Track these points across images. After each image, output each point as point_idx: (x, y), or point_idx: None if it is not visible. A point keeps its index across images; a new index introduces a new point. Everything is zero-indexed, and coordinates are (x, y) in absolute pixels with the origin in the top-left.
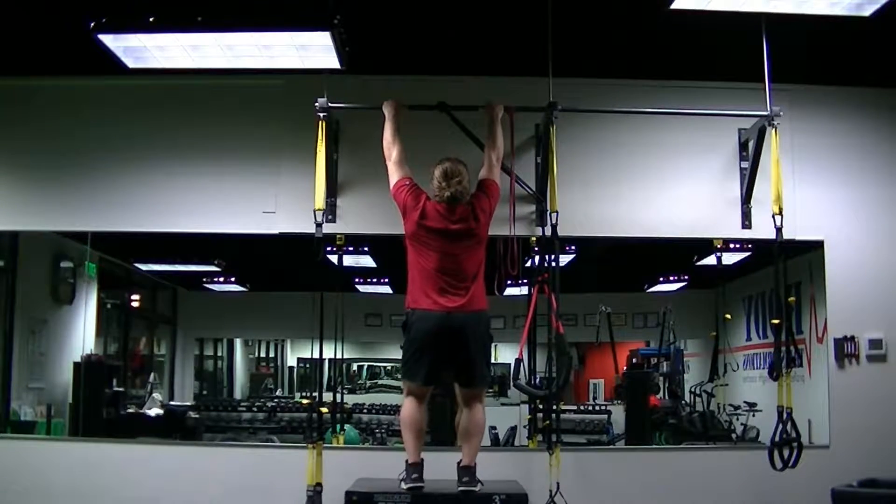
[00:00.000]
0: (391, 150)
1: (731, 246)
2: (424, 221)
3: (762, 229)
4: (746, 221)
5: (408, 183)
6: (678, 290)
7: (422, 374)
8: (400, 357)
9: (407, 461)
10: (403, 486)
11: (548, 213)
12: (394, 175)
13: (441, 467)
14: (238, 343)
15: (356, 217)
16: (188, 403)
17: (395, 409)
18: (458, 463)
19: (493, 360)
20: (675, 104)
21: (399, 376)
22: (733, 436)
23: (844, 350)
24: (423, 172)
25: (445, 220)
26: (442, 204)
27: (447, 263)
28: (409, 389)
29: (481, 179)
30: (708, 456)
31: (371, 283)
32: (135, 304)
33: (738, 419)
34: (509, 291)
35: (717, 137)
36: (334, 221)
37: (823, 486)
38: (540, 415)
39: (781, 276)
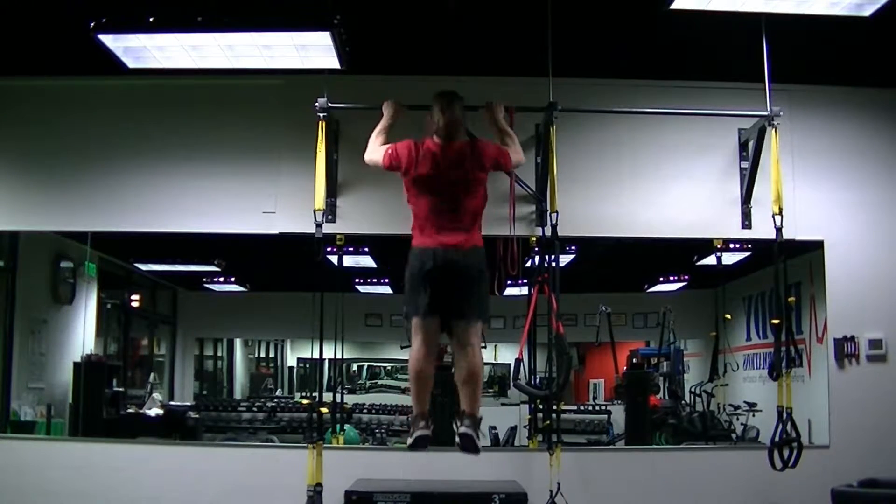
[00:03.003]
0: (373, 143)
1: (731, 246)
2: (421, 159)
3: (762, 229)
4: (746, 221)
5: (391, 146)
6: (678, 290)
7: (424, 305)
8: (400, 357)
9: (412, 414)
10: (409, 439)
11: (548, 213)
12: (376, 155)
13: (441, 467)
14: (238, 343)
15: (356, 217)
16: (188, 403)
17: (395, 409)
18: (458, 409)
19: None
20: (675, 104)
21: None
22: (733, 436)
23: (844, 350)
24: None
25: (442, 151)
26: (439, 133)
27: (444, 203)
28: (414, 328)
29: (500, 145)
30: (708, 456)
31: (371, 283)
32: (135, 304)
33: (738, 419)
34: (509, 291)
35: (717, 137)
36: (334, 221)
37: (823, 486)
38: (540, 415)
39: (781, 276)
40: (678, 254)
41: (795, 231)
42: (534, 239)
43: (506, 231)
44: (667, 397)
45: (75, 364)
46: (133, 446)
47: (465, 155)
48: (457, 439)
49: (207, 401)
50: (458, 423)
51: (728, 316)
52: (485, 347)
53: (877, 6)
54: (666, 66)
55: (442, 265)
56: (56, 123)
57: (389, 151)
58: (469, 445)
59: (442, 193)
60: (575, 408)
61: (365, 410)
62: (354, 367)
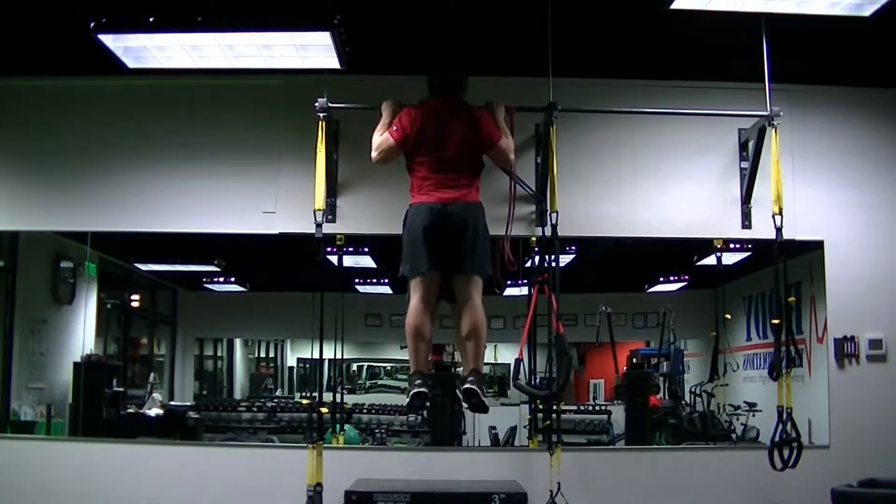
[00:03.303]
0: (377, 138)
1: (731, 246)
2: (421, 117)
3: (762, 229)
4: (746, 221)
5: (395, 122)
6: (678, 290)
7: (423, 262)
8: (399, 357)
9: (410, 371)
10: (406, 398)
11: (548, 213)
12: (384, 141)
13: (441, 467)
14: (238, 343)
15: (356, 217)
16: (188, 403)
17: (395, 409)
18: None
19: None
20: (675, 104)
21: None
22: (733, 436)
23: (844, 350)
24: None
25: (442, 104)
26: (437, 91)
27: (443, 161)
28: (413, 286)
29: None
30: (708, 456)
31: (371, 284)
32: (135, 304)
33: (738, 419)
34: (509, 291)
35: (717, 137)
36: (334, 221)
37: (823, 486)
38: (540, 415)
39: (781, 276)
40: (678, 254)
41: (795, 231)
42: (534, 239)
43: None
44: (667, 397)
45: (75, 364)
46: (133, 446)
47: (463, 109)
48: (460, 395)
49: (207, 401)
50: (461, 380)
51: (728, 316)
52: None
53: (877, 6)
54: (666, 66)
55: (441, 219)
56: (56, 123)
57: (394, 127)
58: (475, 401)
59: (440, 149)
60: (575, 408)
61: (365, 410)
62: (354, 367)
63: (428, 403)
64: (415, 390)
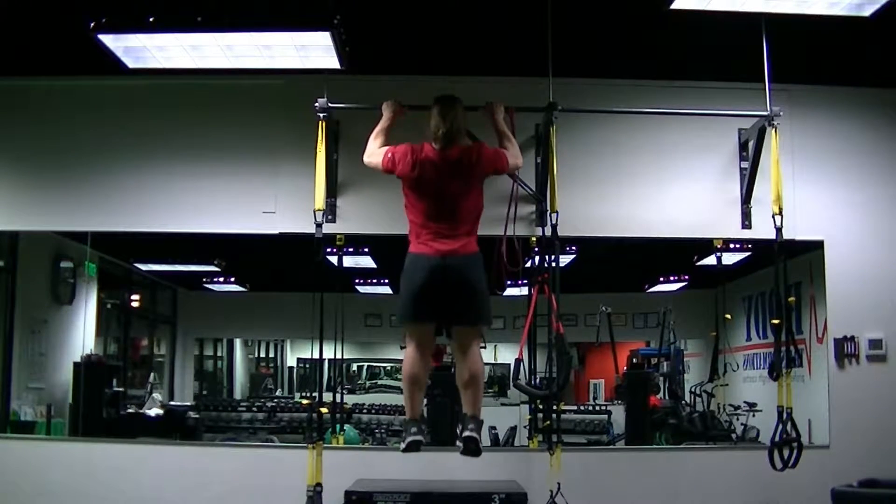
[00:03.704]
0: (372, 143)
1: (731, 246)
2: (419, 165)
3: (762, 229)
4: (746, 221)
5: (390, 149)
6: (678, 290)
7: (419, 312)
8: (399, 357)
9: (405, 419)
10: (402, 446)
11: (548, 213)
12: (375, 157)
13: (441, 467)
14: (238, 343)
15: (356, 217)
16: (188, 403)
17: (395, 409)
18: (461, 417)
19: (493, 361)
20: (675, 104)
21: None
22: (733, 436)
23: (844, 350)
24: None
25: (440, 158)
26: (438, 142)
27: (441, 209)
28: (409, 333)
29: (495, 149)
30: (708, 456)
31: (371, 284)
32: (135, 304)
33: (738, 419)
34: (509, 291)
35: (717, 137)
36: (334, 221)
37: (823, 486)
38: (540, 415)
39: (781, 276)
40: (678, 254)
41: (795, 231)
42: (534, 239)
43: (507, 231)
44: (667, 397)
45: (75, 364)
46: (133, 446)
47: (463, 161)
48: (459, 443)
49: (207, 401)
50: (461, 427)
51: (728, 316)
52: (484, 347)
53: (877, 6)
54: (666, 66)
55: (439, 272)
56: (56, 123)
57: (388, 155)
58: (473, 448)
59: (439, 199)
60: (575, 408)
61: (365, 410)
62: (354, 367)
63: (422, 448)
64: (410, 438)
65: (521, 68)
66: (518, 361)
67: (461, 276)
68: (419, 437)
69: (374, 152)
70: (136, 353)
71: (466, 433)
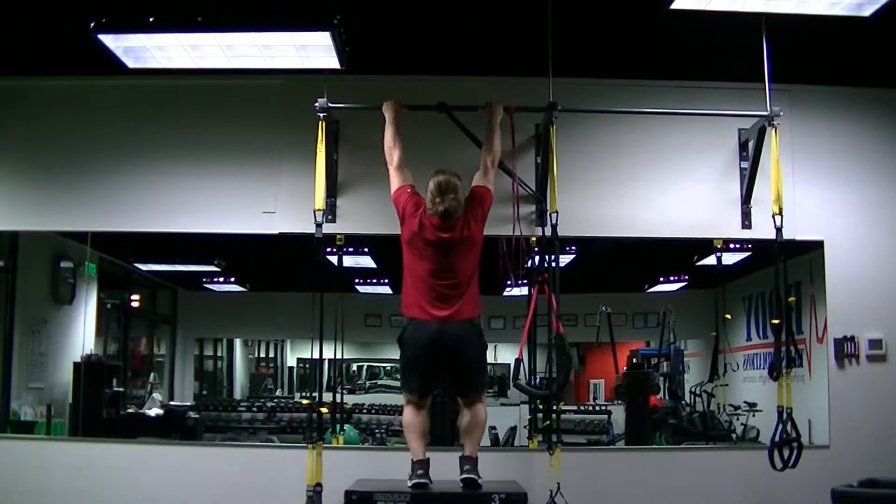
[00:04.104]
0: (392, 154)
1: (731, 246)
2: (421, 232)
3: (762, 229)
4: (746, 221)
5: (409, 191)
6: (678, 290)
7: (418, 387)
8: (398, 358)
9: (412, 460)
10: (409, 483)
11: (548, 213)
12: (395, 181)
13: (441, 467)
14: (238, 343)
15: (356, 217)
16: (188, 403)
17: (395, 409)
18: (461, 455)
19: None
20: (675, 104)
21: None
22: (733, 436)
23: (844, 350)
24: (422, 172)
25: (439, 232)
26: (436, 217)
27: (440, 271)
28: (407, 399)
29: (474, 187)
30: (708, 456)
31: (371, 284)
32: (135, 304)
33: (738, 419)
34: (509, 291)
35: (717, 137)
36: (334, 221)
37: (823, 486)
38: (540, 415)
39: (781, 276)
40: (678, 254)
41: (795, 231)
42: (534, 239)
43: (507, 231)
44: (667, 397)
45: (75, 364)
46: (133, 446)
47: (459, 234)
48: (460, 483)
49: (207, 401)
50: (461, 468)
51: (728, 316)
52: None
53: (877, 6)
54: (666, 66)
55: (440, 344)
56: (56, 123)
57: (406, 192)
58: (472, 487)
59: (438, 261)
60: (575, 408)
61: (365, 410)
62: (354, 367)
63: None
64: (416, 481)
65: (521, 68)
66: (518, 361)
67: (458, 346)
68: (425, 481)
69: (399, 169)
70: (135, 358)
71: (464, 475)
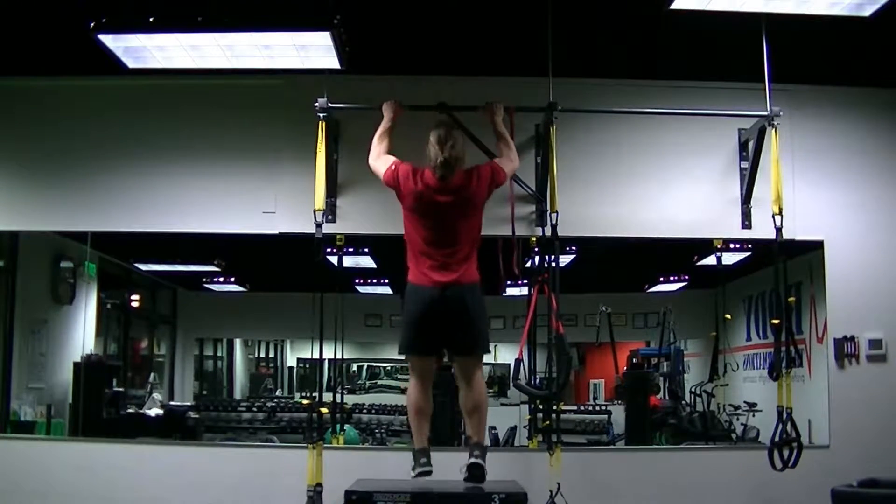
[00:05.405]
0: (377, 147)
1: (731, 246)
2: (419, 192)
3: (762, 229)
4: (746, 221)
5: (396, 163)
6: (678, 290)
7: (419, 344)
8: (399, 357)
9: (413, 449)
10: (412, 473)
11: (548, 213)
12: (380, 165)
13: (441, 467)
14: (238, 343)
15: (356, 217)
16: (188, 403)
17: (395, 410)
18: (467, 440)
19: (493, 361)
20: (675, 104)
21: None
22: (733, 436)
23: (844, 350)
24: None
25: (440, 187)
26: (436, 171)
27: (441, 235)
28: (412, 365)
29: (494, 161)
30: (708, 456)
31: (371, 284)
32: (135, 304)
33: (738, 419)
34: (509, 291)
35: (717, 137)
36: (334, 221)
37: (823, 486)
38: (540, 415)
39: (781, 276)
40: (678, 254)
41: (795, 231)
42: (534, 239)
43: (506, 231)
44: (667, 397)
45: (75, 364)
46: (133, 446)
47: (463, 189)
48: (464, 471)
49: (207, 401)
50: (468, 453)
51: (728, 316)
52: (488, 352)
53: (877, 6)
54: (666, 66)
55: (439, 305)
56: (56, 123)
57: (392, 168)
58: (477, 475)
59: (439, 226)
60: (575, 408)
61: (365, 410)
62: (354, 367)
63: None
64: (420, 469)
65: (521, 68)
66: (518, 361)
67: (460, 306)
68: (429, 469)
69: (379, 158)
70: (135, 358)
71: (472, 460)
